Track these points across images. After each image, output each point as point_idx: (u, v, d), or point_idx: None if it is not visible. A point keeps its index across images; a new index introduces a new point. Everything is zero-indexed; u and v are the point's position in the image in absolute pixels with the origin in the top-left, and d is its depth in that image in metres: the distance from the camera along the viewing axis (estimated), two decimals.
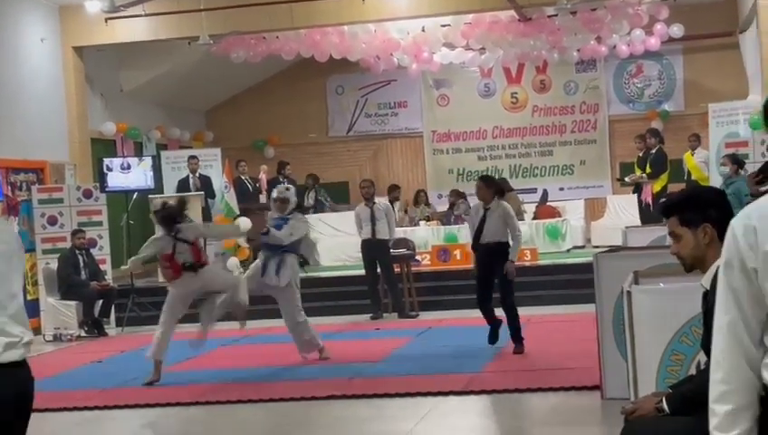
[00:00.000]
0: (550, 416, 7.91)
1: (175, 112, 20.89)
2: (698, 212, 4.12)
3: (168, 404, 9.13)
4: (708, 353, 4.20)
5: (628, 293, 5.26)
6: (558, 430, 7.48)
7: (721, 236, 4.11)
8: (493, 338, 10.96)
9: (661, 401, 4.08)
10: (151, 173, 16.94)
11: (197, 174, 17.64)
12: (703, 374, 4.29)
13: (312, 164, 21.68)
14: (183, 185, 17.54)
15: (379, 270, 14.38)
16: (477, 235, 10.75)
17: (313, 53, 18.35)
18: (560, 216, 18.96)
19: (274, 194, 11.16)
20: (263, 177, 18.58)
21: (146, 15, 16.18)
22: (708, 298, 4.15)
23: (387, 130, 22.32)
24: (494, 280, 10.73)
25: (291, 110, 22.02)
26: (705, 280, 4.17)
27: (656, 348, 5.09)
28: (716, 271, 4.08)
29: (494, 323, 10.93)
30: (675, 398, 4.07)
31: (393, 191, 18.92)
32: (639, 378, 5.14)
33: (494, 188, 10.87)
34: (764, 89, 15.78)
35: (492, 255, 10.62)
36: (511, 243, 10.68)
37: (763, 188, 7.14)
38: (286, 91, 21.96)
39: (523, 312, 13.72)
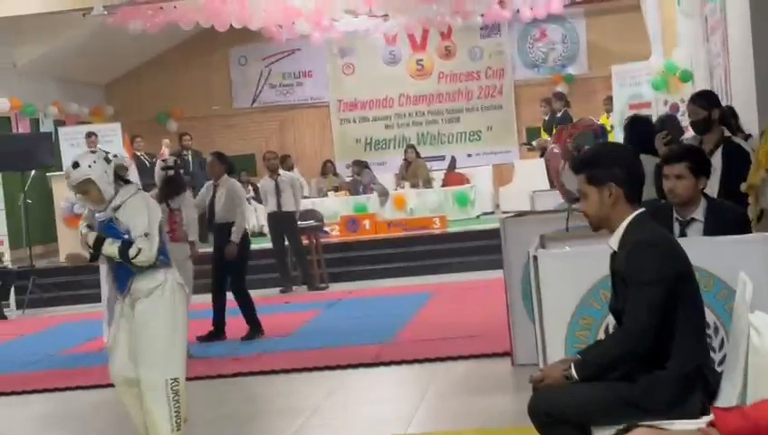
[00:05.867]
0: (460, 384, 7.81)
1: (72, 87, 20.28)
2: (604, 170, 4.01)
3: (68, 388, 8.80)
4: (617, 316, 4.10)
5: (534, 257, 5.14)
6: (468, 398, 7.37)
7: (628, 196, 4.00)
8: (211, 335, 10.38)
9: (569, 367, 3.96)
10: None
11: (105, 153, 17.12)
12: (611, 339, 4.18)
13: (218, 137, 21.30)
14: None
15: (287, 243, 14.15)
16: (211, 214, 10.45)
17: (213, 23, 17.96)
18: (468, 182, 18.95)
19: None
20: (165, 151, 18.13)
21: None
22: (616, 259, 4.04)
23: (292, 100, 22.05)
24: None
25: (193, 82, 21.59)
26: (613, 241, 4.06)
27: (563, 313, 4.97)
28: (624, 231, 3.99)
29: (218, 319, 10.44)
30: (583, 364, 3.95)
31: (285, 161, 17.68)
32: (548, 344, 5.03)
33: (225, 164, 10.52)
34: (666, 50, 15.88)
35: (224, 236, 10.28)
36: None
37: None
38: (188, 62, 21.52)
39: (432, 280, 13.78)
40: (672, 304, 3.88)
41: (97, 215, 5.89)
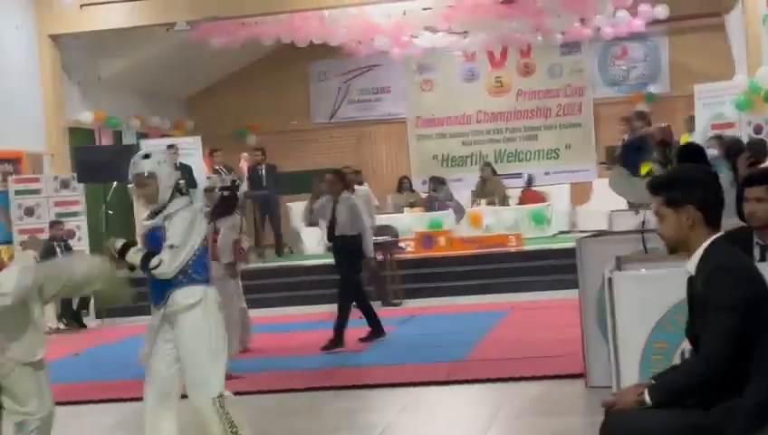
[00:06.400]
0: (533, 405, 7.73)
1: (154, 100, 20.59)
2: (682, 193, 3.93)
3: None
4: (693, 341, 4.02)
5: (610, 279, 5.07)
6: (541, 419, 7.30)
7: (707, 219, 3.92)
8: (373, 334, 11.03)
9: (643, 392, 3.88)
10: None
11: (177, 163, 17.32)
12: (686, 364, 4.10)
13: (295, 151, 21.45)
14: None
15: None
16: (331, 228, 10.83)
17: (293, 38, 18.10)
18: (545, 200, 18.80)
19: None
20: (243, 164, 18.28)
21: (122, 2, 15.91)
22: (693, 283, 3.96)
23: (370, 116, 22.09)
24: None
25: (273, 96, 21.75)
26: (691, 265, 3.98)
27: (639, 336, 4.90)
28: (702, 256, 3.91)
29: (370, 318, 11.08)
30: (657, 389, 3.87)
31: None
32: (622, 367, 4.96)
33: (344, 181, 11.06)
34: (750, 69, 15.62)
35: (346, 248, 10.77)
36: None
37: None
38: (268, 77, 21.68)
39: (507, 298, 13.68)
40: (750, 329, 3.79)
41: (145, 223, 5.86)
